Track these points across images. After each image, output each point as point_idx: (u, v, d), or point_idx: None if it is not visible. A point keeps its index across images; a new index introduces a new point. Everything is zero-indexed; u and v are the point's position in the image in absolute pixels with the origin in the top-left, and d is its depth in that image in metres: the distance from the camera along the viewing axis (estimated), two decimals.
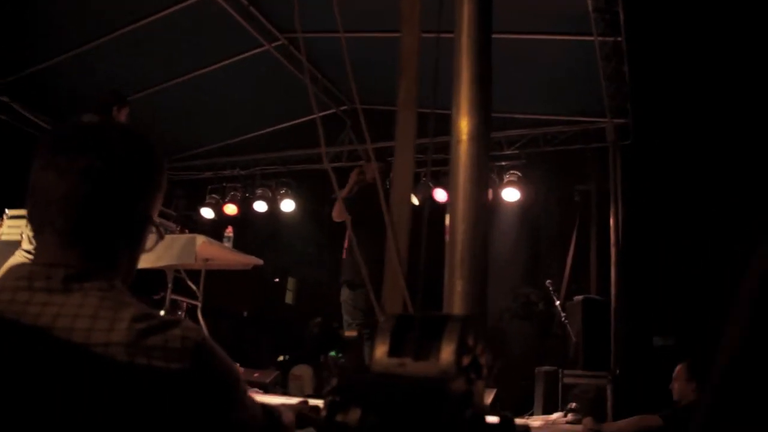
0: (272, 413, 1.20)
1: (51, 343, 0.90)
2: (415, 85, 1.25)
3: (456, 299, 1.09)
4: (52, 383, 0.88)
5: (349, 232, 5.20)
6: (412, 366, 0.86)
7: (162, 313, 1.06)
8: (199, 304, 5.21)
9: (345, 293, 4.74)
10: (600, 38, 5.75)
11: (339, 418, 0.84)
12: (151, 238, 1.17)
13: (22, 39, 6.21)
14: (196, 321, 5.30)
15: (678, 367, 4.32)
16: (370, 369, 0.88)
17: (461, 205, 1.13)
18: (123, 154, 1.04)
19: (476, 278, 1.13)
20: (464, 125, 1.17)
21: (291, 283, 19.41)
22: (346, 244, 5.30)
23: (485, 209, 1.16)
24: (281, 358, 16.00)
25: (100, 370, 0.89)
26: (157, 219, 1.15)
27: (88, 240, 1.01)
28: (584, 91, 6.86)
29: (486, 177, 1.18)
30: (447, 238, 1.19)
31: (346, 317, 4.69)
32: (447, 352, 0.84)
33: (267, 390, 9.21)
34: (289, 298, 19.52)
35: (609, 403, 6.38)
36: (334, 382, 0.84)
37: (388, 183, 5.45)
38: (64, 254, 0.99)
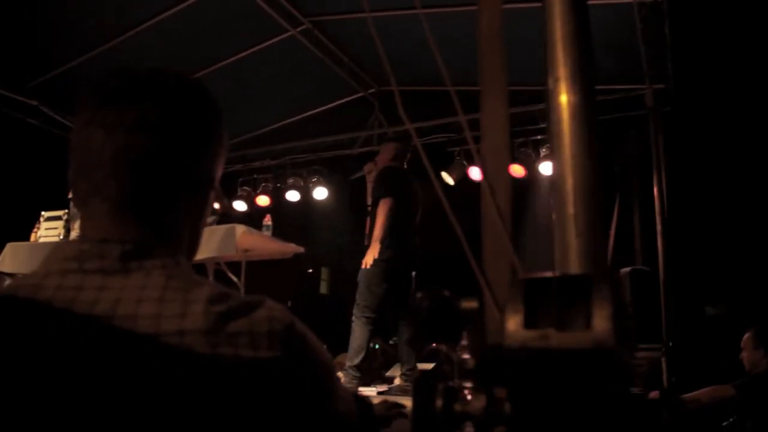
0: (365, 404, 1.07)
1: (113, 335, 0.74)
2: (501, 67, 1.09)
3: (573, 259, 0.94)
4: (120, 383, 0.73)
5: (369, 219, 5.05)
6: (557, 338, 0.71)
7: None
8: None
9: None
10: None
11: (476, 404, 0.70)
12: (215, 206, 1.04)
13: (45, 40, 6.15)
14: None
15: (745, 336, 4.14)
16: (502, 345, 0.74)
17: (569, 171, 0.98)
18: (181, 103, 0.89)
19: (595, 234, 0.97)
20: (564, 99, 1.01)
21: (324, 273, 19.45)
22: (366, 230, 5.13)
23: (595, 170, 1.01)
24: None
25: (177, 363, 0.74)
26: (218, 179, 1.00)
27: (146, 208, 0.85)
28: (621, 56, 6.61)
29: (593, 144, 1.02)
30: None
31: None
32: (601, 318, 0.69)
33: None
34: (323, 288, 19.58)
35: (664, 376, 6.20)
36: (469, 362, 0.70)
37: (405, 164, 5.39)
38: (119, 227, 0.84)
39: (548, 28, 1.10)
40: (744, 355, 4.08)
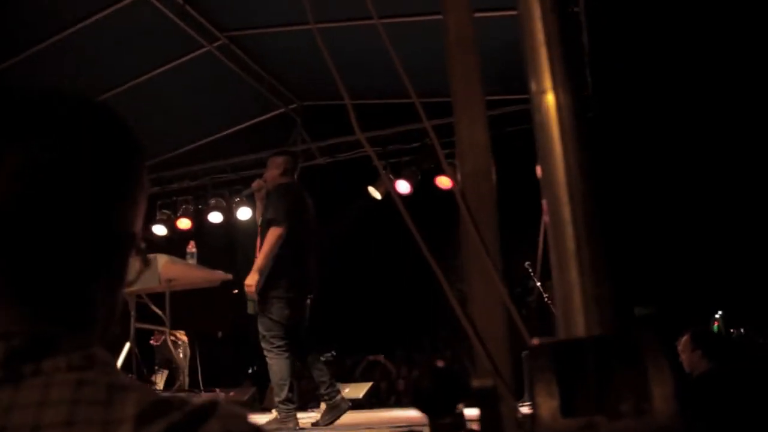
0: None
1: None
2: (476, 76, 0.95)
3: (579, 309, 0.79)
4: None
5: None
6: (608, 428, 0.56)
7: (182, 388, 0.62)
8: (168, 330, 4.80)
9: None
10: None
11: None
12: (134, 264, 0.80)
13: None
14: (168, 350, 4.90)
15: (681, 339, 4.19)
16: (535, 429, 0.58)
17: (561, 182, 0.83)
18: (83, 138, 0.65)
19: (602, 272, 0.84)
20: (547, 91, 0.87)
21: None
22: (257, 251, 4.67)
23: (592, 183, 0.87)
24: (251, 370, 15.58)
25: None
26: (140, 234, 0.75)
27: (40, 285, 0.62)
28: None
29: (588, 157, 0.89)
30: (545, 220, 0.90)
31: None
32: (663, 399, 0.55)
33: (244, 407, 8.84)
34: (250, 308, 19.01)
35: None
36: None
37: (296, 177, 5.07)
38: (2, 316, 0.60)
39: (528, 34, 0.95)
40: (683, 357, 4.13)
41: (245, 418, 0.57)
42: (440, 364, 0.63)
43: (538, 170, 0.93)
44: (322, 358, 4.65)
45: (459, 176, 0.95)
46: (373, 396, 9.78)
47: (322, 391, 4.41)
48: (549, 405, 0.58)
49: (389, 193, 8.08)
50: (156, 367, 6.86)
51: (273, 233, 4.36)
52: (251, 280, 4.34)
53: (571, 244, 0.88)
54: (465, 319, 0.85)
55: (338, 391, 4.46)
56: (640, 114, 6.55)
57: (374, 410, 8.25)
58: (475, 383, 0.66)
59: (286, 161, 4.85)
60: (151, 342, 5.05)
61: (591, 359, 0.60)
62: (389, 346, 11.64)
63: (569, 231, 0.88)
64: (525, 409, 0.67)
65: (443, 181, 7.83)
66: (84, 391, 0.54)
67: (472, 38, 0.97)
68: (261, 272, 4.34)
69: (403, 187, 7.99)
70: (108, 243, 0.66)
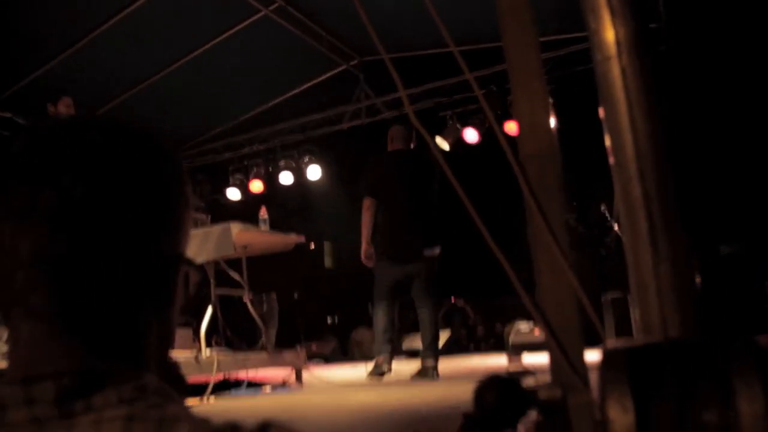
0: None
1: None
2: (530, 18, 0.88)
3: (656, 297, 0.74)
4: None
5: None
6: None
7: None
8: (247, 294, 4.94)
9: None
10: None
11: None
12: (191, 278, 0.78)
13: (13, 49, 5.87)
14: (247, 311, 5.05)
15: None
16: None
17: (629, 142, 0.78)
18: (117, 165, 0.63)
19: (683, 254, 0.78)
20: (610, 36, 0.80)
21: (327, 247, 19.34)
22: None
23: (657, 124, 0.81)
24: (330, 320, 16.03)
25: None
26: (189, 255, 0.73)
27: (86, 319, 0.61)
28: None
29: (653, 99, 0.82)
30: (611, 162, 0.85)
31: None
32: (752, 418, 0.50)
33: (328, 360, 9.12)
34: (328, 262, 19.49)
35: None
36: None
37: (412, 145, 5.16)
38: (52, 354, 0.59)
39: None
40: None
41: None
42: (504, 373, 0.60)
43: (601, 112, 0.87)
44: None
45: (520, 156, 0.90)
46: (453, 344, 9.86)
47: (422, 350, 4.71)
48: (624, 422, 0.54)
49: (457, 143, 7.96)
50: (246, 325, 7.10)
51: (363, 204, 4.82)
52: (362, 247, 4.81)
53: (637, 192, 0.82)
54: (534, 309, 0.81)
55: (431, 359, 4.61)
56: (724, 43, 6.13)
57: (455, 356, 8.31)
58: (543, 393, 0.63)
59: (390, 132, 5.12)
60: (245, 300, 5.26)
61: (670, 369, 0.56)
62: (470, 292, 11.62)
63: (634, 182, 0.83)
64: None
65: (512, 127, 7.64)
66: (135, 427, 0.54)
67: (526, 4, 0.90)
68: (365, 239, 4.79)
69: (471, 135, 7.85)
70: (154, 269, 0.65)
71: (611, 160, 0.89)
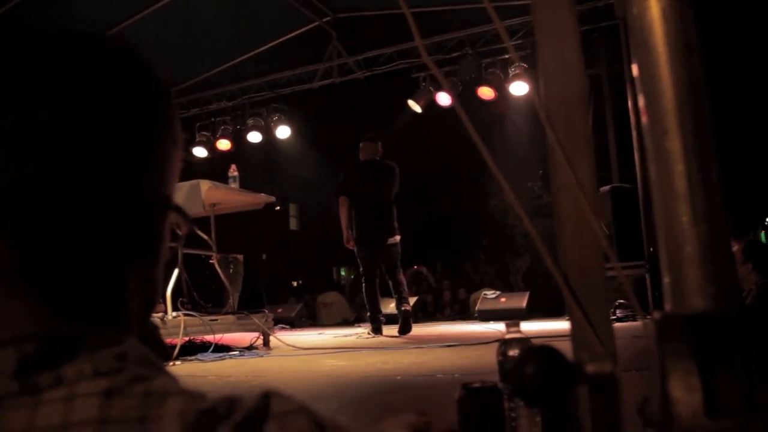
0: None
1: None
2: None
3: (686, 265, 0.67)
4: None
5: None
6: (765, 430, 0.45)
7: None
8: (214, 254, 4.82)
9: None
10: None
11: None
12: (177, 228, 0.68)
13: None
14: (213, 273, 4.94)
15: (735, 249, 3.99)
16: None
17: (669, 94, 0.71)
18: (93, 84, 0.53)
19: (721, 216, 0.72)
20: None
21: (293, 209, 19.22)
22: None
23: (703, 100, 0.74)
24: (295, 283, 15.94)
25: None
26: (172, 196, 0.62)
27: (54, 272, 0.51)
28: None
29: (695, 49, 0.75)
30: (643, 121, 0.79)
31: None
32: None
33: (294, 324, 9.07)
34: (293, 224, 19.38)
35: (648, 292, 6.15)
36: None
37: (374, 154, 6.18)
38: (10, 315, 0.49)
39: None
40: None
41: (304, 411, 0.46)
42: (546, 346, 0.52)
43: (635, 68, 0.79)
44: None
45: (545, 105, 0.81)
46: (420, 309, 9.90)
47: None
48: (690, 401, 0.47)
49: (428, 106, 7.87)
50: (213, 286, 6.99)
51: (339, 201, 6.04)
52: (344, 236, 6.00)
53: (676, 146, 0.76)
54: (558, 274, 0.74)
55: (407, 320, 5.78)
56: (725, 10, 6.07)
57: (425, 324, 8.34)
58: (591, 367, 0.55)
59: (361, 145, 6.25)
60: (211, 261, 5.16)
61: (741, 339, 0.49)
62: (430, 259, 11.69)
63: (672, 135, 0.76)
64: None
65: (485, 92, 7.56)
66: (114, 405, 0.44)
67: None
68: (344, 228, 5.98)
69: (443, 98, 7.75)
70: (135, 213, 0.54)
71: (644, 118, 0.82)
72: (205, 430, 0.43)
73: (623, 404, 0.51)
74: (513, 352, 1.10)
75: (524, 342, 1.10)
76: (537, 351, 0.54)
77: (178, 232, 0.67)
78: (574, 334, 0.74)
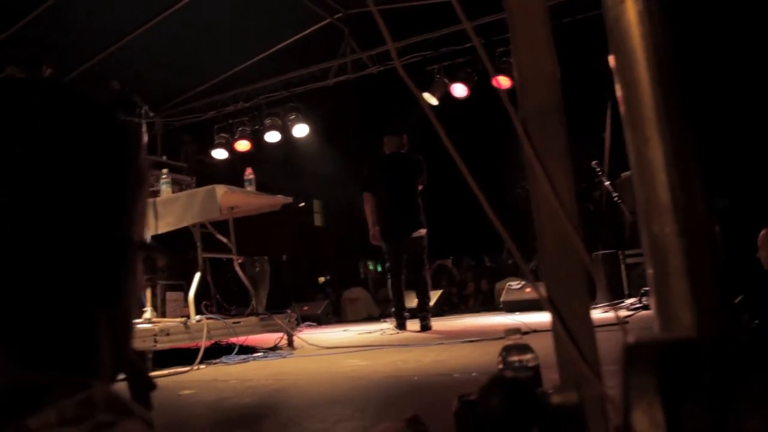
0: None
1: None
2: None
3: (672, 278, 0.66)
4: None
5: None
6: None
7: None
8: (234, 257, 4.85)
9: None
10: None
11: None
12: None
13: None
14: (236, 276, 4.97)
15: (762, 234, 3.88)
16: None
17: (647, 88, 0.69)
18: (53, 135, 0.53)
19: (703, 231, 0.70)
20: None
21: (317, 205, 19.30)
22: None
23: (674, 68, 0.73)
24: (322, 279, 16.02)
25: None
26: (146, 236, 0.63)
27: (18, 321, 0.51)
28: None
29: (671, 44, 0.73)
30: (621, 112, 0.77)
31: None
32: None
33: (320, 321, 9.11)
34: (317, 220, 19.48)
35: None
36: None
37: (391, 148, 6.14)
38: None
39: None
40: (762, 254, 3.82)
41: None
42: (509, 374, 0.51)
43: (611, 59, 0.77)
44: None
45: (521, 114, 0.79)
46: (445, 302, 9.89)
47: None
48: None
49: (446, 98, 7.81)
50: (236, 289, 7.03)
51: (363, 197, 6.08)
52: (370, 233, 6.04)
53: (657, 155, 0.74)
54: (536, 288, 0.73)
55: (425, 318, 5.73)
56: None
57: (450, 317, 8.33)
58: (555, 398, 0.54)
59: (384, 139, 6.23)
60: (237, 263, 5.20)
61: (707, 370, 0.47)
62: (455, 253, 11.64)
63: (654, 142, 0.75)
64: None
65: (502, 81, 7.48)
66: None
67: None
68: (371, 224, 6.02)
69: (459, 90, 7.69)
70: (100, 256, 0.55)
71: (624, 126, 0.80)
72: None
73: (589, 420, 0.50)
74: (513, 358, 1.09)
75: (524, 349, 1.09)
76: (500, 381, 0.53)
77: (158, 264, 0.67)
78: (558, 353, 0.72)
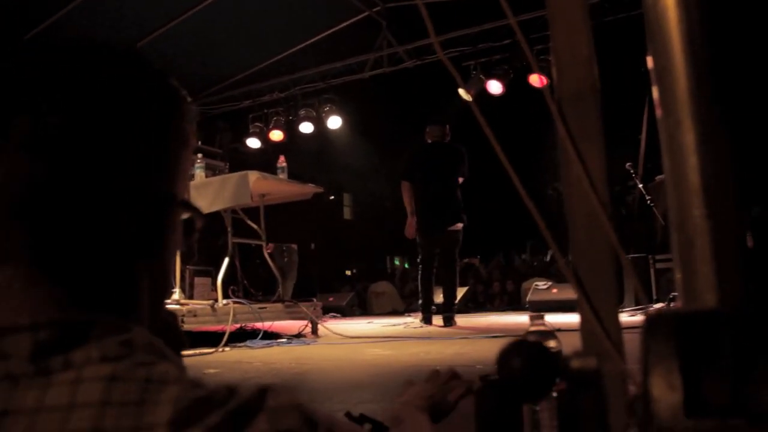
0: None
1: None
2: None
3: (698, 260, 0.67)
4: None
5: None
6: None
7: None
8: (264, 244, 4.90)
9: None
10: None
11: None
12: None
13: None
14: (264, 263, 5.03)
15: None
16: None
17: (683, 86, 0.69)
18: (101, 91, 0.56)
19: (735, 210, 0.70)
20: None
21: (347, 198, 19.38)
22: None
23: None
24: (349, 272, 16.08)
25: None
26: (187, 195, 0.65)
27: (68, 264, 0.54)
28: None
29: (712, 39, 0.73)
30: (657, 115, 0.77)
31: None
32: None
33: (344, 313, 9.16)
34: (347, 213, 19.56)
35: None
36: None
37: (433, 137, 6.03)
38: (28, 303, 0.52)
39: None
40: None
41: (298, 408, 0.48)
42: (531, 338, 0.52)
43: (649, 61, 0.77)
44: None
45: (556, 95, 0.80)
46: (471, 300, 9.87)
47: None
48: (669, 400, 0.46)
49: (481, 95, 7.78)
50: (263, 275, 7.09)
51: (402, 186, 5.86)
52: (408, 222, 5.83)
53: (689, 139, 0.74)
54: (566, 268, 0.73)
55: (450, 313, 5.61)
56: None
57: (475, 314, 8.31)
58: (575, 362, 0.55)
59: (427, 129, 6.09)
60: (266, 251, 5.24)
61: (727, 338, 0.48)
62: (484, 251, 11.61)
63: (686, 126, 0.75)
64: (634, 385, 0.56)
65: (536, 80, 7.42)
66: (116, 389, 0.47)
67: None
68: (411, 214, 5.78)
69: (494, 87, 7.66)
70: (144, 210, 0.58)
71: (658, 110, 0.80)
72: (196, 416, 0.46)
73: (607, 401, 0.51)
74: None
75: (546, 335, 1.10)
76: (520, 345, 0.54)
77: (195, 226, 0.70)
78: (583, 328, 0.73)
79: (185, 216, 0.69)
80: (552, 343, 1.12)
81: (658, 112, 0.78)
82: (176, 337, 0.79)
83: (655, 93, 0.80)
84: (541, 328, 1.11)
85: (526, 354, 0.53)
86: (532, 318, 1.13)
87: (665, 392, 0.47)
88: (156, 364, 0.50)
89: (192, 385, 0.49)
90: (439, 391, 1.14)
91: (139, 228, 0.58)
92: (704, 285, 0.68)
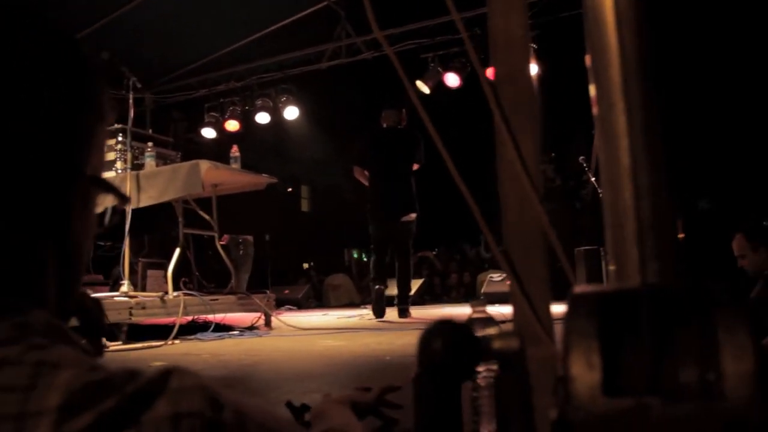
0: None
1: None
2: None
3: (628, 242, 0.67)
4: None
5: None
6: (662, 413, 0.43)
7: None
8: (216, 235, 4.83)
9: None
10: None
11: None
12: (106, 202, 0.65)
13: None
14: (218, 255, 4.95)
15: (736, 242, 3.77)
16: (566, 418, 0.47)
17: (615, 69, 0.69)
18: (12, 62, 0.53)
19: (665, 193, 0.71)
20: None
21: (304, 191, 19.23)
22: None
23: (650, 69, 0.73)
24: (306, 265, 15.97)
25: None
26: (101, 172, 0.62)
27: None
28: None
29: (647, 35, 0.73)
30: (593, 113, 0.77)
31: None
32: (737, 377, 0.42)
33: (300, 306, 9.10)
34: (304, 206, 19.42)
35: None
36: None
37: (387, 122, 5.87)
38: None
39: None
40: (744, 262, 3.74)
41: (203, 389, 0.45)
42: (453, 319, 0.51)
43: (587, 59, 0.77)
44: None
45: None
46: (426, 291, 9.92)
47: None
48: (587, 379, 0.46)
49: (438, 87, 7.80)
50: (216, 267, 6.99)
51: (354, 171, 5.80)
52: None
53: (624, 156, 0.74)
54: (497, 250, 0.73)
55: (405, 305, 5.55)
56: None
57: (432, 306, 8.35)
58: (497, 343, 0.54)
59: (383, 113, 5.91)
60: (219, 243, 5.14)
61: (646, 317, 0.48)
62: (437, 244, 11.67)
63: (618, 109, 0.75)
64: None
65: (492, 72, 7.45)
66: (4, 373, 0.44)
67: None
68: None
69: (452, 79, 7.67)
70: (51, 185, 0.54)
71: (591, 91, 0.80)
72: (89, 400, 0.43)
73: (530, 381, 0.50)
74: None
75: (488, 322, 1.09)
76: (441, 326, 0.53)
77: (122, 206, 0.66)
78: (515, 312, 0.72)
79: (103, 195, 0.65)
80: (492, 330, 1.11)
81: (592, 94, 0.78)
82: (94, 323, 0.75)
83: (592, 90, 0.79)
84: (482, 315, 1.10)
85: (447, 335, 0.51)
86: (473, 305, 1.12)
87: (584, 371, 0.46)
88: (51, 348, 0.47)
89: (89, 369, 0.45)
90: (358, 394, 1.15)
91: (39, 203, 0.54)
92: (634, 267, 0.68)
